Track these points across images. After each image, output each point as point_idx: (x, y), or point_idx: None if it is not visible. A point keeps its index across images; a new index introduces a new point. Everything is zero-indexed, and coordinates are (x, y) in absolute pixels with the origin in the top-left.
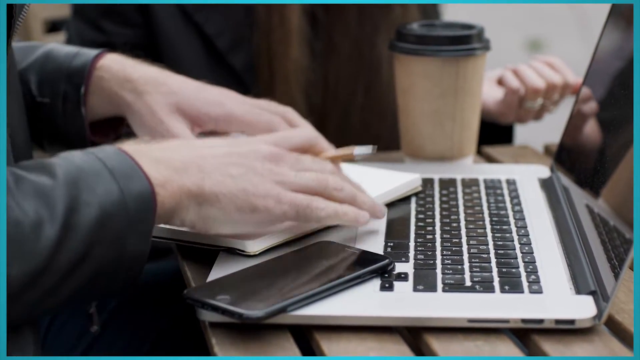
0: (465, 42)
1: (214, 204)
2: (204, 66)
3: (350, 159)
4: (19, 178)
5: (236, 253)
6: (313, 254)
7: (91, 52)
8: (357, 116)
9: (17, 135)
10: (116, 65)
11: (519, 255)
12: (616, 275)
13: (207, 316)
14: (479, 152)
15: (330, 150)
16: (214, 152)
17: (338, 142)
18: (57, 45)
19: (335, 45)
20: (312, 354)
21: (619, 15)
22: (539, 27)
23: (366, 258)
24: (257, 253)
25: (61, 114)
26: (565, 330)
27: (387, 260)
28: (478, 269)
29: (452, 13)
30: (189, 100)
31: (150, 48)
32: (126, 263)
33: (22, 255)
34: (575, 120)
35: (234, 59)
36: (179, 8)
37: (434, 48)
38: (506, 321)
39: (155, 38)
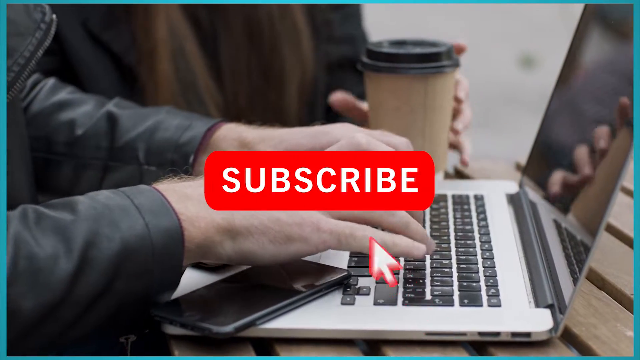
0: (434, 59)
1: (246, 237)
2: (116, 83)
3: None
4: (40, 215)
5: (198, 266)
6: (274, 269)
7: (204, 125)
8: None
9: (21, 196)
10: (232, 134)
11: (481, 269)
12: (575, 282)
13: (172, 330)
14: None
15: None
16: None
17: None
18: (168, 116)
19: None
20: None
21: (591, 28)
22: (532, 42)
23: (326, 271)
24: (217, 265)
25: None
26: (522, 342)
27: (345, 273)
28: (439, 283)
29: (444, 28)
30: (296, 142)
31: (65, 71)
32: (154, 297)
33: (36, 288)
34: (543, 136)
35: (140, 74)
36: (86, 30)
37: (403, 65)
38: (463, 334)
39: (70, 61)
